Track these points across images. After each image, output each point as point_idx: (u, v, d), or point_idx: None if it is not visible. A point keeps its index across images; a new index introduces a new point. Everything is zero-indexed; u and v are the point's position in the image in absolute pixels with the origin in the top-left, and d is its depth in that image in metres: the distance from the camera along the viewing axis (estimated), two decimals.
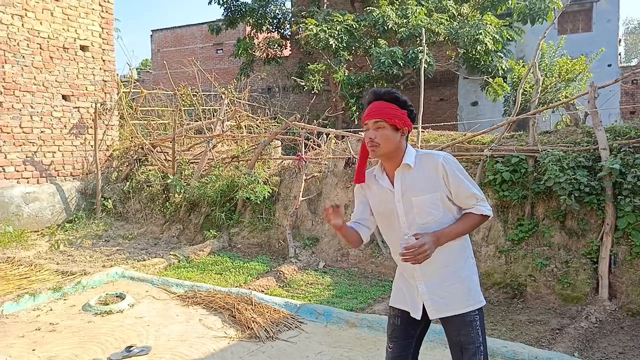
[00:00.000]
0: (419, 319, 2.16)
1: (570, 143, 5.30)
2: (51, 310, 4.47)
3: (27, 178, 7.61)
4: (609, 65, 15.57)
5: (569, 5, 13.62)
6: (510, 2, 13.65)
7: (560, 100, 8.69)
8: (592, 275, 4.70)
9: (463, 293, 2.11)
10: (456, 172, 2.09)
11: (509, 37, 12.90)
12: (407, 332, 2.23)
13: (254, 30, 16.28)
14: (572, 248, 4.93)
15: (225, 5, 15.55)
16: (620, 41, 17.96)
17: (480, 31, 11.99)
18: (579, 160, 4.86)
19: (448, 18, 13.05)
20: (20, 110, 7.49)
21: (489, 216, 2.11)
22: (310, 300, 4.79)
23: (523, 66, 11.16)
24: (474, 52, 12.30)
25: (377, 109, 2.07)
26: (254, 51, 16.00)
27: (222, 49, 25.15)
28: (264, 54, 16.35)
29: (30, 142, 7.65)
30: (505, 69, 12.59)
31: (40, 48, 7.72)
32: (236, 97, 10.47)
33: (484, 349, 2.10)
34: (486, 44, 12.00)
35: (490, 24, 12.43)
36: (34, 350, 3.62)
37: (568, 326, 4.16)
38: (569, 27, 16.67)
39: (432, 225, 2.07)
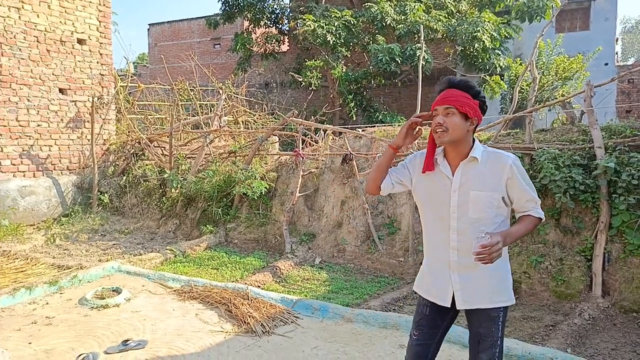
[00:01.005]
0: (449, 306, 2.18)
1: (566, 141, 5.33)
2: (47, 303, 4.48)
3: (23, 172, 7.59)
4: (606, 64, 15.62)
5: (567, 3, 13.65)
6: None
7: (556, 98, 8.73)
8: (586, 272, 4.74)
9: (495, 288, 2.14)
10: (522, 175, 2.10)
11: (506, 34, 12.92)
12: (435, 321, 2.26)
13: (252, 25, 16.23)
14: (567, 246, 4.97)
15: (223, 0, 15.48)
16: (617, 40, 18.00)
17: (478, 28, 12.00)
18: (575, 158, 4.89)
19: (446, 15, 13.05)
20: (17, 104, 7.46)
21: (542, 219, 2.16)
22: (306, 296, 4.81)
23: (520, 64, 11.18)
24: (471, 50, 12.31)
25: (449, 95, 2.05)
26: (251, 46, 15.96)
27: (219, 44, 25.06)
28: (262, 49, 16.31)
29: (27, 136, 7.63)
30: (503, 66, 12.61)
31: (37, 41, 7.68)
32: (234, 93, 10.46)
33: (500, 344, 2.15)
34: (484, 41, 12.01)
35: (488, 22, 12.44)
36: (30, 343, 3.63)
37: (561, 323, 4.20)
38: (566, 25, 16.69)
39: (482, 222, 2.07)
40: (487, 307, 2.13)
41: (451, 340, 3.68)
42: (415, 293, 2.38)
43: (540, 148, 5.14)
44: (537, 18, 13.04)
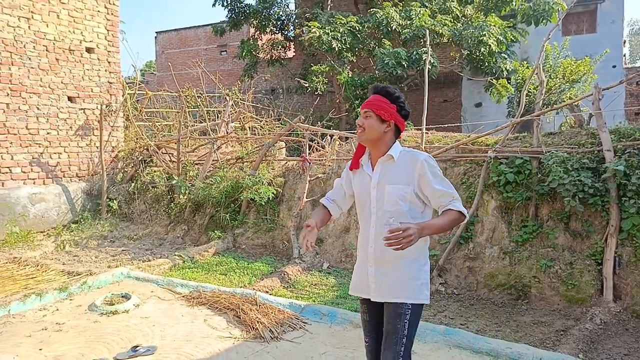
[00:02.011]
0: (374, 300, 2.31)
1: (575, 144, 5.29)
2: (57, 310, 4.51)
3: (33, 179, 7.67)
4: (614, 67, 15.52)
5: (573, 6, 13.61)
6: (514, 3, 13.64)
7: (564, 101, 8.69)
8: (596, 276, 4.70)
9: (405, 285, 2.23)
10: (434, 171, 2.22)
11: (512, 38, 12.89)
12: (377, 325, 2.37)
13: (258, 32, 16.32)
14: (577, 249, 4.93)
15: (229, 7, 15.60)
16: (624, 42, 17.90)
17: (484, 32, 11.99)
18: (583, 161, 4.86)
19: (452, 19, 13.05)
20: (27, 112, 7.55)
21: (465, 216, 2.21)
22: (314, 301, 4.81)
23: (527, 67, 11.14)
24: (477, 54, 12.30)
25: (369, 100, 2.27)
26: (257, 53, 16.04)
27: (226, 51, 25.22)
28: (268, 56, 16.40)
29: (37, 144, 7.71)
30: (509, 70, 12.58)
31: (47, 50, 7.78)
32: (240, 99, 10.51)
33: (406, 343, 2.20)
34: (490, 45, 12.00)
35: (494, 26, 12.43)
36: (40, 349, 3.66)
37: (572, 328, 4.16)
38: (573, 28, 16.63)
39: (397, 215, 2.20)
40: (394, 302, 2.22)
41: (461, 346, 3.66)
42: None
43: (548, 152, 5.11)
44: (543, 21, 13.00)
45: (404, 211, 2.21)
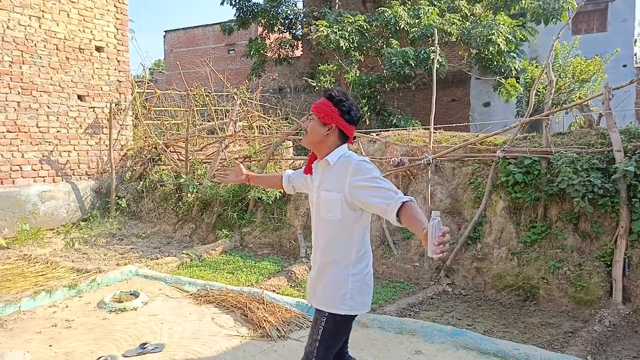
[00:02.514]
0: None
1: (584, 145, 5.25)
2: (67, 307, 4.55)
3: (43, 177, 7.74)
4: (624, 66, 15.36)
5: (583, 5, 13.48)
6: (523, 2, 13.55)
7: (573, 101, 8.61)
8: (605, 278, 4.66)
9: (326, 293, 2.22)
10: (367, 175, 2.06)
11: (522, 37, 12.80)
12: None
13: (266, 31, 16.35)
14: (586, 251, 4.89)
15: (237, 6, 15.64)
16: (635, 41, 17.70)
17: (492, 31, 11.91)
18: (593, 162, 4.82)
19: (460, 18, 12.98)
20: (37, 110, 7.62)
21: (412, 200, 1.96)
22: None
23: (536, 67, 11.06)
24: (486, 53, 12.23)
25: (315, 103, 2.28)
26: (265, 52, 16.07)
27: (234, 50, 25.29)
28: (276, 55, 16.42)
29: (47, 142, 7.78)
30: (518, 69, 12.49)
31: (57, 49, 7.84)
32: (248, 98, 10.54)
33: (318, 347, 2.19)
34: (499, 44, 11.92)
35: (503, 24, 12.35)
36: (50, 345, 3.70)
37: (581, 329, 4.14)
38: (583, 27, 16.48)
39: (331, 222, 2.19)
40: (316, 307, 2.25)
41: (468, 347, 3.65)
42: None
43: (557, 152, 5.08)
44: (553, 20, 12.90)
45: (337, 219, 2.15)
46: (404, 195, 2.01)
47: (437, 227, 1.70)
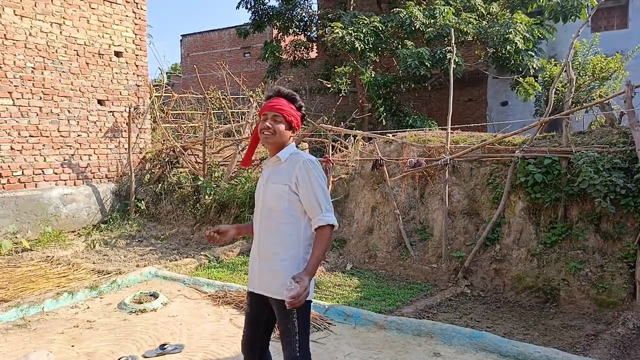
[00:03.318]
0: (255, 293, 2.38)
1: (606, 144, 5.15)
2: (88, 308, 4.63)
3: (64, 180, 7.91)
4: None
5: (603, 2, 13.23)
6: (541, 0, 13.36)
7: (593, 99, 8.46)
8: (628, 280, 4.56)
9: (283, 279, 2.21)
10: (310, 176, 2.26)
11: (540, 35, 12.61)
12: (255, 317, 2.44)
13: (281, 33, 16.41)
14: (608, 252, 4.79)
15: (253, 9, 15.74)
16: None
17: (510, 30, 11.77)
18: (615, 161, 4.73)
19: (477, 17, 12.85)
20: (59, 115, 7.78)
21: (335, 225, 2.27)
22: (338, 302, 4.81)
23: (555, 65, 10.90)
24: (503, 52, 12.08)
25: (278, 104, 2.31)
26: (280, 54, 16.13)
27: (249, 52, 25.47)
28: (291, 57, 16.47)
29: (68, 146, 7.94)
30: (536, 68, 12.31)
31: (77, 54, 8.01)
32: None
33: (300, 339, 2.26)
34: (516, 43, 11.77)
35: (521, 23, 12.19)
36: (73, 346, 3.77)
37: (604, 332, 4.05)
38: (603, 24, 16.15)
39: (277, 213, 2.29)
40: (279, 299, 2.23)
41: (488, 349, 3.61)
42: None
43: (578, 151, 4.99)
44: (572, 17, 12.68)
45: (282, 209, 2.27)
46: (331, 216, 2.25)
47: (290, 290, 2.06)
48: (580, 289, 4.71)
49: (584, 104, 6.89)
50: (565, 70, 5.85)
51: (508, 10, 13.71)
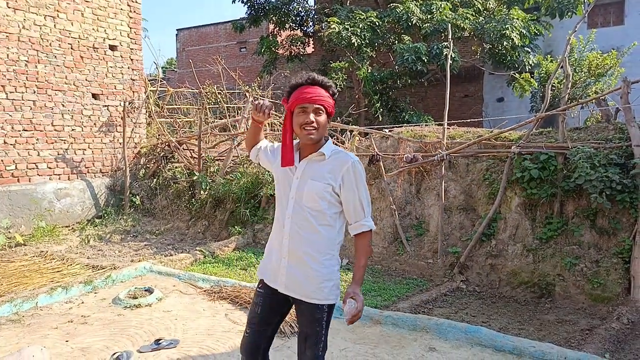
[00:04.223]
0: (278, 290, 2.22)
1: (602, 140, 5.16)
2: (83, 303, 4.61)
3: (58, 175, 7.84)
4: None
5: None
6: None
7: (589, 96, 8.48)
8: (623, 275, 4.58)
9: (320, 287, 2.15)
10: (358, 179, 2.15)
11: (536, 31, 12.61)
12: (266, 319, 2.29)
13: (277, 28, 16.34)
14: (603, 247, 4.81)
15: (249, 4, 15.65)
16: None
17: (506, 26, 11.75)
18: (611, 157, 4.74)
19: (474, 13, 12.83)
20: (52, 109, 7.71)
21: (372, 229, 2.22)
22: None
23: (551, 61, 10.91)
24: (500, 48, 12.08)
25: (317, 95, 2.10)
26: (277, 49, 16.06)
27: (245, 47, 25.36)
28: (287, 52, 16.40)
29: (62, 140, 7.88)
30: (533, 64, 12.32)
31: (71, 48, 7.93)
32: (260, 95, 10.55)
33: (324, 341, 2.21)
34: (513, 39, 11.76)
35: (517, 19, 12.18)
36: (67, 341, 3.74)
37: (598, 327, 4.07)
38: (599, 21, 16.17)
39: (315, 213, 2.13)
40: (310, 302, 2.15)
41: (483, 344, 3.61)
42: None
43: (574, 147, 5.00)
44: (568, 14, 12.68)
45: (321, 209, 2.13)
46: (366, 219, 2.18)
47: (350, 309, 2.07)
48: (576, 284, 4.72)
49: (580, 100, 6.90)
50: (562, 67, 5.85)
51: (505, 6, 13.70)
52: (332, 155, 2.16)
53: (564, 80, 5.86)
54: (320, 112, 2.11)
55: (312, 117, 2.09)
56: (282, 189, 2.24)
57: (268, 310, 2.28)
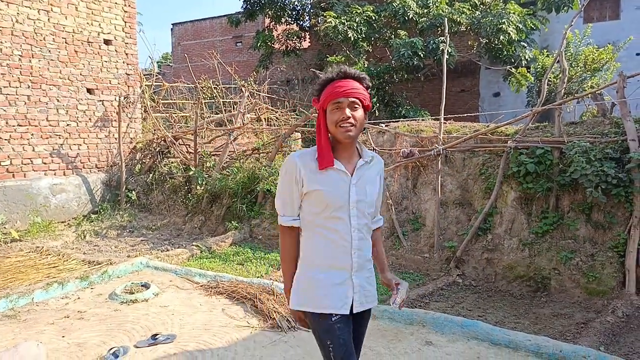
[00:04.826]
0: (348, 313, 1.99)
1: (598, 134, 5.18)
2: (79, 298, 4.59)
3: (54, 170, 7.80)
4: (638, 54, 15.09)
5: None
6: None
7: (585, 90, 8.49)
8: (618, 269, 4.61)
9: (375, 285, 2.13)
10: (382, 177, 2.16)
11: (532, 26, 12.62)
12: (351, 346, 2.01)
13: (273, 23, 16.28)
14: (598, 241, 4.83)
15: None
16: None
17: (503, 20, 11.76)
18: (607, 151, 4.75)
19: (470, 7, 12.83)
20: (47, 104, 7.66)
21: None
22: None
23: (547, 56, 10.91)
24: (496, 42, 12.09)
25: (351, 87, 1.91)
26: (273, 43, 16.01)
27: (241, 42, 25.24)
28: (283, 46, 16.35)
29: (57, 135, 7.83)
30: (529, 58, 12.33)
31: (66, 42, 7.86)
32: (256, 90, 10.51)
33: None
34: (509, 33, 11.77)
35: (514, 13, 12.18)
36: (63, 336, 3.74)
37: (593, 320, 4.10)
38: (595, 15, 16.19)
39: (368, 217, 2.02)
40: (371, 306, 2.10)
41: (479, 337, 3.63)
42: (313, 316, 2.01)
43: (570, 141, 5.01)
44: (565, 8, 12.69)
45: (371, 212, 2.05)
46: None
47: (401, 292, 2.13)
48: (571, 278, 4.75)
49: (576, 95, 6.91)
50: (558, 61, 5.85)
51: (501, 1, 13.69)
52: (373, 157, 2.06)
53: (560, 75, 5.86)
54: (357, 106, 1.91)
55: (348, 112, 1.89)
56: (337, 200, 1.94)
57: (348, 336, 1.99)
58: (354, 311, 1.99)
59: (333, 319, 1.96)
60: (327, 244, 1.96)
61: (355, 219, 1.96)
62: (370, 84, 2.02)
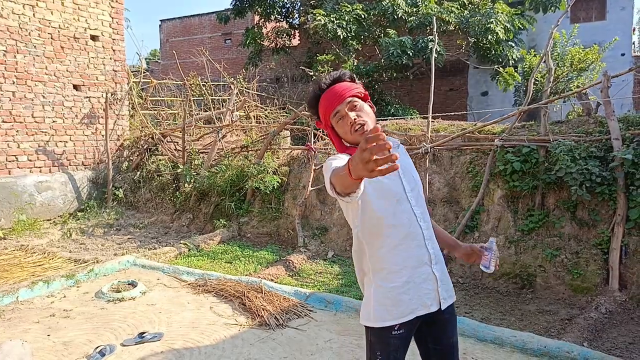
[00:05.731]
0: (436, 310, 1.86)
1: (582, 133, 5.24)
2: (65, 297, 4.55)
3: (39, 167, 7.70)
4: (623, 55, 15.34)
5: None
6: None
7: (571, 90, 8.59)
8: (602, 266, 4.68)
9: (450, 281, 1.96)
10: None
11: (520, 25, 12.75)
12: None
13: (263, 20, 16.24)
14: (583, 239, 4.90)
15: None
16: (634, 30, 17.64)
17: (491, 20, 11.86)
18: (591, 150, 4.82)
19: (459, 6, 12.91)
20: (33, 100, 7.56)
21: None
22: (319, 289, 4.82)
23: (534, 55, 11.03)
24: (484, 42, 12.18)
25: (341, 90, 1.82)
26: (262, 41, 15.97)
27: (230, 39, 25.11)
28: (273, 44, 16.32)
29: (43, 132, 7.73)
30: (516, 58, 12.46)
31: (52, 38, 7.76)
32: (245, 87, 10.47)
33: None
34: (497, 33, 11.87)
35: (502, 13, 12.29)
36: (49, 335, 3.70)
37: (577, 316, 4.16)
38: (582, 16, 16.39)
39: (425, 205, 1.93)
40: (453, 301, 1.93)
41: (465, 334, 3.67)
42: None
43: (555, 140, 5.07)
44: (552, 8, 12.83)
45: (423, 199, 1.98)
46: None
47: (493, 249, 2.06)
48: (556, 275, 4.81)
49: (563, 94, 6.99)
50: (544, 61, 5.91)
51: (489, 0, 13.80)
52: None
53: (547, 74, 5.93)
54: (356, 103, 1.83)
55: (352, 115, 1.79)
56: (393, 196, 1.82)
57: (404, 352, 1.88)
58: (443, 307, 1.87)
59: (397, 327, 1.84)
60: (400, 243, 1.82)
61: (417, 209, 1.85)
62: (354, 77, 1.94)
